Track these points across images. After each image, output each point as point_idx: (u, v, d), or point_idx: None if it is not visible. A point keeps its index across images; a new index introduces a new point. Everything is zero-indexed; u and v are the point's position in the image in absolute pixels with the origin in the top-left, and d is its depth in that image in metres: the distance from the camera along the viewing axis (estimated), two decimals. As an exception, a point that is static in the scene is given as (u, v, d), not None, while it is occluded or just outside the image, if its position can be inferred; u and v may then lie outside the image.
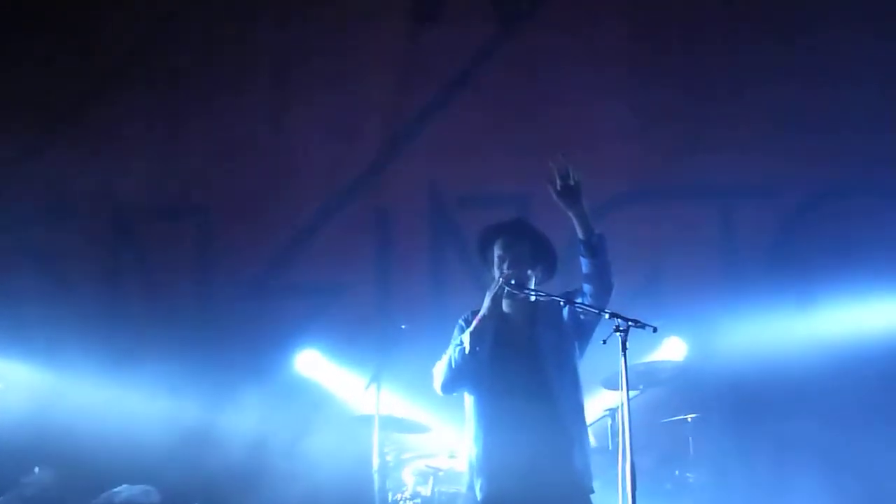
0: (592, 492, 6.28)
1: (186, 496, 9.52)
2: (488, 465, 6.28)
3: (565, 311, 6.32)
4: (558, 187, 6.22)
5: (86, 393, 9.17)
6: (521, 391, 6.27)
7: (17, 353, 9.25)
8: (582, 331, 6.38)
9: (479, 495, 6.26)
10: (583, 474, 6.27)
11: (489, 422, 6.34)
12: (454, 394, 6.46)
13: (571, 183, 6.21)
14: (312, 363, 10.10)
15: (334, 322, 9.95)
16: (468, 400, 6.45)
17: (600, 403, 8.68)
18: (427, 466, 8.87)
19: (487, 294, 6.35)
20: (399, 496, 8.73)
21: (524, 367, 6.32)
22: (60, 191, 9.42)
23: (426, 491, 8.82)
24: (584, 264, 6.27)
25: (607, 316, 5.89)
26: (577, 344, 6.42)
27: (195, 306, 9.91)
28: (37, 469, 8.56)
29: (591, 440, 6.84)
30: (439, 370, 6.41)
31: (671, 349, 9.38)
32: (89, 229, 9.73)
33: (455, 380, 6.36)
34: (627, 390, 5.74)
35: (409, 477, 8.74)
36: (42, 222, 9.66)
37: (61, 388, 9.15)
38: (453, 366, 6.32)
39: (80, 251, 9.73)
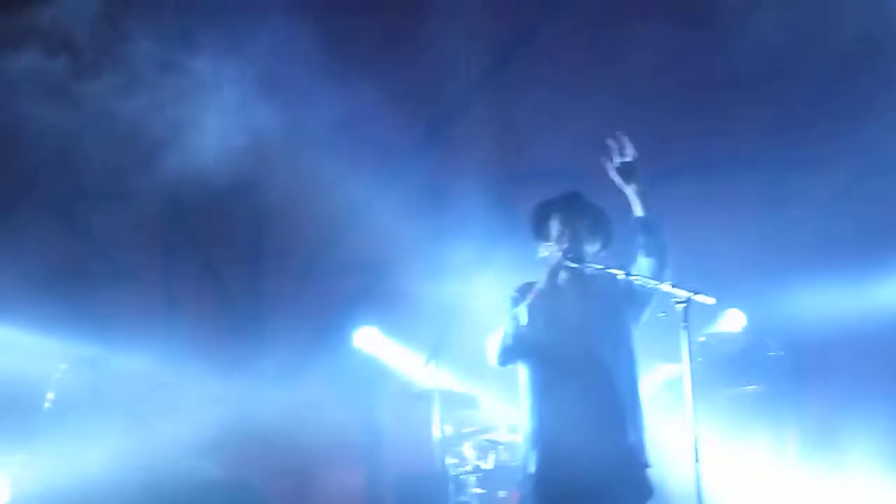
0: (649, 466, 6.29)
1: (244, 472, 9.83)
2: (542, 439, 6.30)
3: (621, 286, 6.30)
4: (616, 164, 6.26)
5: (148, 372, 9.33)
6: (576, 365, 6.28)
7: (77, 334, 9.26)
8: (637, 305, 6.39)
9: (532, 468, 6.30)
10: (638, 449, 6.28)
11: (543, 396, 6.35)
12: (509, 366, 6.48)
13: (629, 160, 6.24)
14: (371, 340, 10.21)
15: (391, 299, 10.02)
16: (522, 373, 6.47)
17: (660, 377, 8.77)
18: (487, 440, 9.00)
19: (545, 268, 6.34)
20: (460, 470, 8.85)
21: (579, 341, 6.32)
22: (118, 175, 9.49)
23: (487, 464, 8.94)
24: (641, 242, 6.29)
25: (667, 288, 5.92)
26: (631, 318, 6.42)
27: (250, 287, 10.01)
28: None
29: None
30: (494, 343, 6.43)
31: (729, 321, 9.44)
32: (145, 214, 9.84)
33: (510, 352, 6.38)
34: (690, 362, 5.78)
35: (469, 451, 8.87)
36: (99, 207, 9.77)
37: (123, 367, 9.23)
38: (509, 339, 6.34)
39: (136, 235, 9.84)
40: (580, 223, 6.42)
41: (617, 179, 6.29)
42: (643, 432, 6.33)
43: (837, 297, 9.41)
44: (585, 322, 6.35)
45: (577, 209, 6.49)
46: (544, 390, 6.35)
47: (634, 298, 6.35)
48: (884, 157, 9.72)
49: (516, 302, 6.42)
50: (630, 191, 6.30)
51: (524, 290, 6.43)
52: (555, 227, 6.43)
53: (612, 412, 6.24)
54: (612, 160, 6.29)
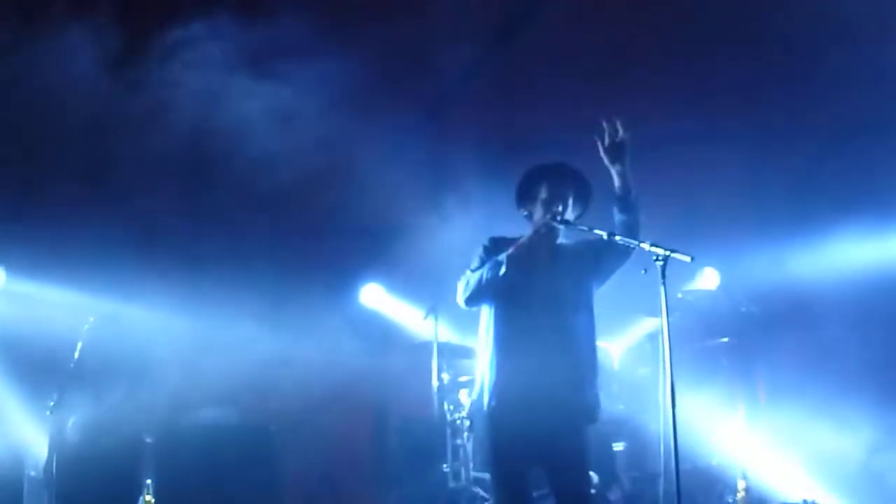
0: (595, 421, 6.59)
1: (263, 418, 10.15)
2: (501, 388, 6.55)
3: (596, 247, 6.59)
4: (606, 143, 6.55)
5: (172, 325, 9.58)
6: (541, 321, 6.56)
7: (104, 289, 9.55)
8: (601, 272, 6.73)
9: (486, 409, 6.56)
10: (594, 405, 6.58)
11: (505, 345, 6.62)
12: (473, 308, 6.75)
13: (619, 141, 6.54)
14: (376, 297, 10.68)
15: (394, 260, 10.34)
16: (486, 318, 6.74)
17: (641, 330, 9.32)
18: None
19: (531, 226, 6.71)
20: (457, 416, 9.33)
21: (547, 298, 6.60)
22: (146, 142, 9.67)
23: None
24: (618, 219, 6.58)
25: (647, 246, 6.25)
26: (594, 283, 6.75)
27: (270, 246, 10.37)
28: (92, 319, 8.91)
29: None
30: (464, 285, 6.72)
31: (705, 279, 9.91)
32: (172, 180, 10.08)
33: (480, 295, 6.66)
34: (667, 316, 6.17)
35: (465, 398, 9.29)
36: (129, 168, 9.91)
37: (148, 320, 9.45)
38: (482, 283, 6.60)
39: (163, 200, 10.10)
40: (568, 189, 6.72)
41: (605, 158, 6.54)
42: (597, 390, 6.61)
43: (808, 256, 9.75)
44: (555, 282, 6.63)
45: (566, 176, 6.79)
46: (506, 340, 6.62)
47: (599, 267, 6.69)
48: (857, 123, 9.89)
49: (487, 251, 6.74)
50: (615, 171, 6.54)
51: (497, 242, 6.75)
52: (544, 190, 6.73)
53: (571, 369, 6.52)
54: (603, 139, 6.53)
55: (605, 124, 6.59)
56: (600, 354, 6.83)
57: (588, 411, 6.58)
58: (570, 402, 6.50)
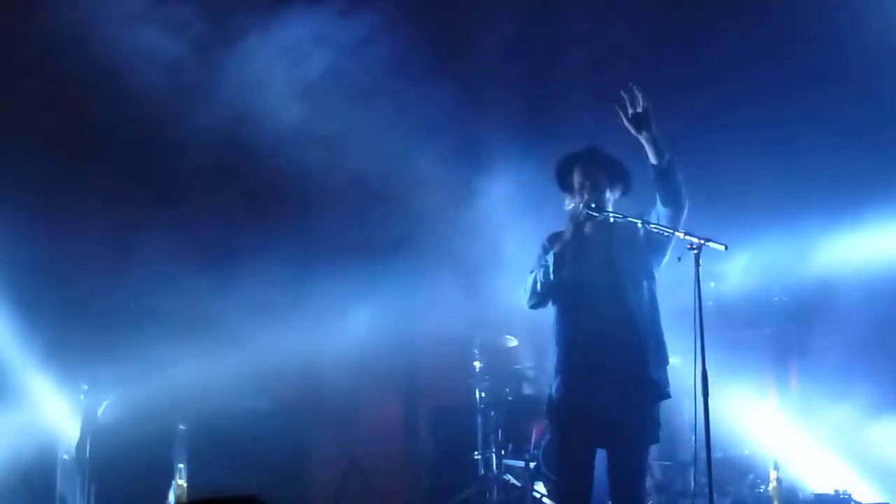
0: (669, 397, 6.67)
1: (294, 405, 10.28)
2: (566, 371, 6.66)
3: (641, 232, 6.61)
4: (629, 113, 6.54)
5: (205, 313, 9.55)
6: (601, 307, 6.61)
7: (139, 277, 9.57)
8: (656, 250, 6.70)
9: (555, 396, 6.68)
10: (662, 382, 6.63)
11: (570, 337, 6.70)
12: (539, 309, 6.84)
13: (640, 110, 6.52)
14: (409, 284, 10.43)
15: (428, 245, 10.25)
16: (551, 315, 6.83)
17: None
18: (513, 374, 9.62)
19: (569, 218, 6.74)
20: (488, 402, 9.44)
21: (603, 283, 6.64)
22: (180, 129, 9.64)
23: (512, 397, 9.59)
24: (658, 188, 6.58)
25: (681, 235, 6.33)
26: (652, 262, 6.74)
27: (301, 233, 10.41)
28: None
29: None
30: (525, 289, 6.81)
31: (739, 268, 9.78)
32: (203, 167, 10.05)
33: (539, 297, 6.76)
34: (701, 304, 6.20)
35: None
36: (162, 160, 10.02)
37: (181, 307, 9.45)
38: (538, 286, 6.71)
39: (195, 188, 10.15)
40: (600, 173, 6.74)
41: (631, 128, 6.53)
42: (667, 367, 6.68)
43: (841, 245, 9.73)
44: (609, 266, 6.67)
45: (595, 161, 6.80)
46: (571, 331, 6.70)
47: (653, 245, 6.66)
48: (890, 112, 9.81)
49: (546, 250, 6.79)
50: (643, 139, 6.52)
51: (554, 238, 6.80)
52: (576, 178, 6.76)
53: (635, 350, 6.57)
54: (625, 110, 6.53)
55: (624, 94, 6.58)
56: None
57: (656, 388, 6.63)
58: (636, 381, 6.57)
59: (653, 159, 6.58)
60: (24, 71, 9.38)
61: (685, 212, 6.63)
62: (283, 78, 9.45)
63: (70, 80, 9.31)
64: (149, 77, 9.09)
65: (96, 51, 8.87)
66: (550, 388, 6.79)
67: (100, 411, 8.96)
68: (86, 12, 8.83)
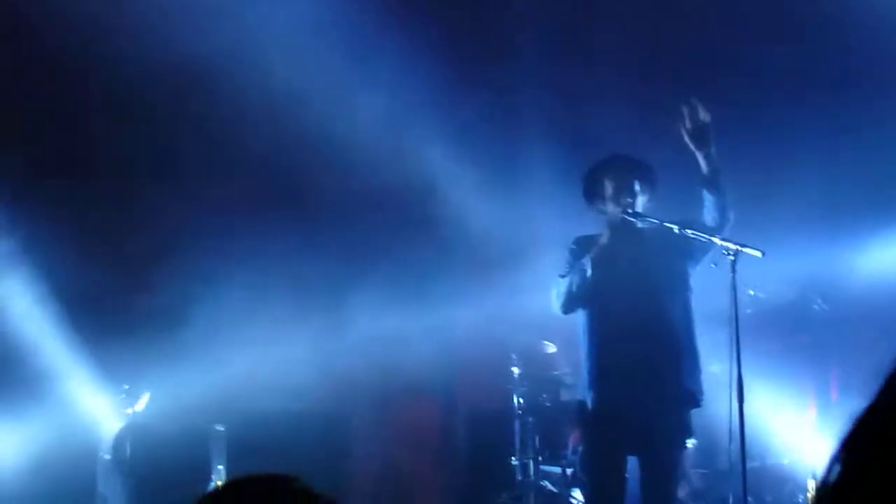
0: (698, 406, 6.70)
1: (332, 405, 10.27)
2: (599, 380, 6.72)
3: (677, 238, 6.60)
4: (689, 127, 6.58)
5: (245, 315, 9.70)
6: (635, 313, 6.64)
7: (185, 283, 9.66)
8: (692, 257, 6.73)
9: (589, 406, 6.73)
10: (696, 390, 6.66)
11: (602, 341, 6.75)
12: (570, 314, 6.89)
13: (702, 123, 6.56)
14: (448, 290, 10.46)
15: (467, 254, 10.32)
16: (582, 319, 6.87)
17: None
18: (551, 380, 9.60)
19: (606, 223, 6.79)
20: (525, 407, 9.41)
21: (638, 290, 6.68)
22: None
23: (550, 403, 9.58)
24: (706, 199, 6.61)
25: (718, 241, 6.34)
26: (688, 269, 6.78)
27: (340, 240, 10.25)
28: None
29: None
30: (558, 293, 6.84)
31: (779, 275, 9.53)
32: (245, 182, 10.20)
33: (574, 301, 6.78)
34: (737, 310, 6.23)
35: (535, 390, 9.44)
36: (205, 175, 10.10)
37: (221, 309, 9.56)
38: (573, 289, 6.72)
39: (236, 201, 10.15)
40: (633, 179, 6.77)
41: (691, 143, 6.58)
42: (700, 375, 6.70)
43: (886, 252, 9.65)
44: (644, 273, 6.71)
45: (626, 166, 6.86)
46: (604, 336, 6.73)
47: (689, 252, 6.68)
48: None
49: (574, 254, 6.83)
50: (701, 154, 6.59)
51: (582, 242, 6.87)
52: (610, 185, 6.80)
53: (668, 356, 6.61)
54: (685, 124, 6.57)
55: (684, 109, 6.59)
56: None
57: (689, 396, 6.65)
58: (669, 388, 6.59)
59: (708, 175, 6.60)
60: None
61: (728, 225, 6.64)
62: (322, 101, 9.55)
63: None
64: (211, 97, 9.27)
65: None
66: (584, 400, 6.81)
67: (137, 406, 9.11)
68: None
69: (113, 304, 9.53)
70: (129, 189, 9.98)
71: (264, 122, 9.71)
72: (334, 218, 10.36)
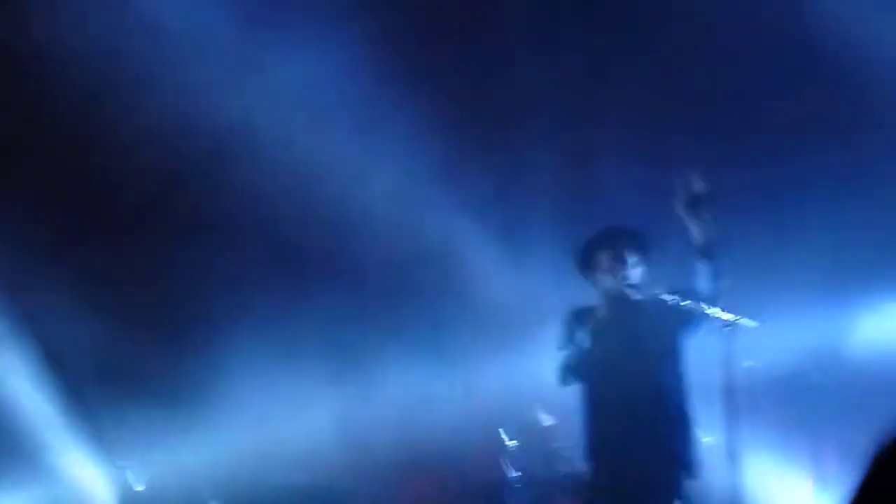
0: (694, 477, 6.69)
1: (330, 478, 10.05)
2: (597, 452, 6.77)
3: (673, 309, 6.61)
4: (683, 199, 6.58)
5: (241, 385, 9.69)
6: (631, 385, 6.67)
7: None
8: (688, 328, 6.73)
9: (588, 478, 6.81)
10: (687, 459, 6.68)
11: (600, 412, 6.78)
12: (570, 385, 6.89)
13: (696, 193, 6.53)
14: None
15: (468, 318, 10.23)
16: (580, 391, 6.89)
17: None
18: (550, 451, 9.52)
19: (603, 295, 6.80)
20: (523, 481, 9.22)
21: (635, 362, 6.70)
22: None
23: (548, 474, 9.50)
24: (701, 268, 6.58)
25: (714, 312, 6.37)
26: (684, 340, 6.78)
27: (338, 308, 10.24)
28: None
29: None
30: (560, 366, 6.84)
31: (776, 346, 9.42)
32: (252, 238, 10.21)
33: (571, 374, 6.80)
34: (733, 383, 6.30)
35: (532, 462, 9.26)
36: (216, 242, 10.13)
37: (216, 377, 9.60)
38: (571, 363, 6.74)
39: (246, 268, 10.20)
40: (628, 250, 6.77)
41: (683, 215, 6.57)
42: (695, 445, 6.72)
43: (887, 324, 9.60)
44: (640, 345, 6.73)
45: (622, 239, 6.85)
46: (601, 407, 6.75)
47: (685, 320, 6.67)
48: None
49: (570, 326, 6.83)
50: (694, 227, 6.55)
51: (578, 314, 6.84)
52: (605, 258, 6.80)
53: (663, 426, 6.63)
54: (679, 196, 6.57)
55: (677, 179, 6.60)
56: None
57: (685, 467, 6.65)
58: (664, 459, 6.60)
59: (702, 245, 6.56)
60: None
61: (726, 293, 6.58)
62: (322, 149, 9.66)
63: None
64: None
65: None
66: (583, 472, 6.87)
67: (134, 484, 9.01)
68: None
69: (124, 375, 9.55)
70: (149, 258, 10.04)
71: (279, 193, 9.75)
72: (335, 289, 10.33)
